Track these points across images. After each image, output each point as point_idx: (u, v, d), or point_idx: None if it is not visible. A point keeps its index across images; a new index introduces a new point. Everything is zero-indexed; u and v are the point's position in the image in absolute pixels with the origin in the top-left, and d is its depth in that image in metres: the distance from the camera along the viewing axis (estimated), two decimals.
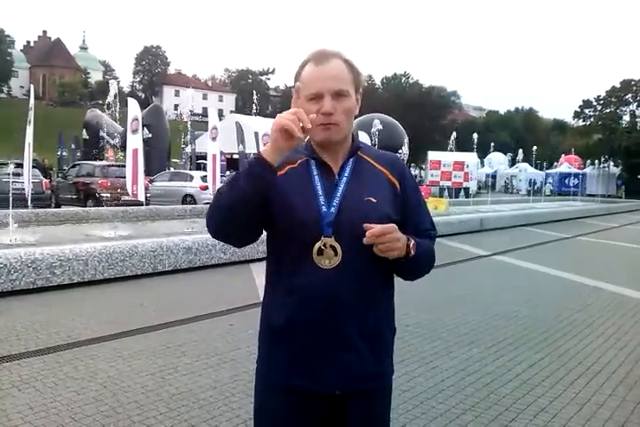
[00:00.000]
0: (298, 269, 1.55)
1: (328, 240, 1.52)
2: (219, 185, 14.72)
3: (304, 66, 1.58)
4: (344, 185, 1.59)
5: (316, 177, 1.60)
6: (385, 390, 1.67)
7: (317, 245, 1.52)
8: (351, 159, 1.64)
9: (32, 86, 13.63)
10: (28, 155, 12.46)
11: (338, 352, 1.54)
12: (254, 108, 31.79)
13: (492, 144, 52.51)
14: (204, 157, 20.64)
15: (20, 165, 13.96)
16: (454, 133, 31.58)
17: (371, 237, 1.46)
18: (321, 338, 1.54)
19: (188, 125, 23.41)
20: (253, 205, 1.47)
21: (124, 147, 14.84)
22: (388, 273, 1.64)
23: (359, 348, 1.56)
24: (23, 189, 12.93)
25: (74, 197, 17.34)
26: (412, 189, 1.69)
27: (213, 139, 14.43)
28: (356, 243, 1.50)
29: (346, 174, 1.61)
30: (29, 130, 11.66)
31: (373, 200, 1.56)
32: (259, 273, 7.84)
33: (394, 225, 1.50)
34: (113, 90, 14.69)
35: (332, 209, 1.54)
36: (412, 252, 1.54)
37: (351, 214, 1.54)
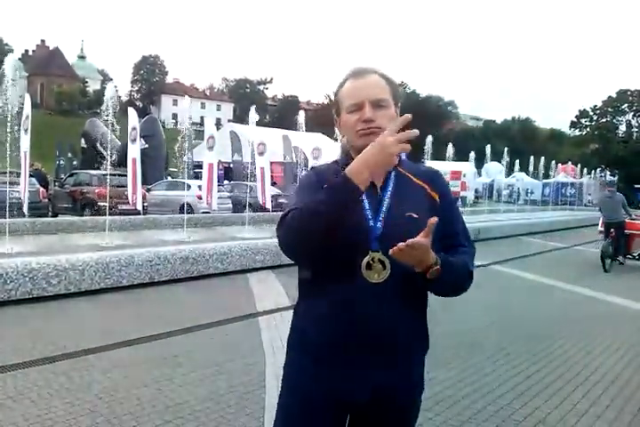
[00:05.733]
0: (345, 283, 1.54)
1: (376, 255, 1.52)
2: (215, 194, 14.68)
3: (343, 83, 1.65)
4: (388, 200, 1.59)
5: None
6: (413, 405, 1.70)
7: (366, 259, 1.52)
8: (392, 174, 1.63)
9: (27, 95, 13.61)
10: (24, 163, 12.44)
11: (372, 365, 1.56)
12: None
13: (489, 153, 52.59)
14: (202, 166, 20.56)
15: (15, 174, 13.90)
16: (450, 144, 31.66)
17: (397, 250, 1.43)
18: (358, 350, 1.55)
19: (184, 135, 23.17)
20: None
21: (120, 164, 14.73)
22: (426, 289, 1.65)
23: (394, 362, 1.59)
24: (19, 198, 12.89)
25: (70, 206, 17.30)
26: (449, 205, 1.68)
27: (210, 148, 14.39)
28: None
29: (389, 189, 1.61)
30: (26, 138, 11.64)
31: (415, 216, 1.56)
32: (256, 284, 7.82)
33: (425, 245, 1.44)
34: (110, 95, 13.92)
35: (378, 224, 1.55)
36: (430, 276, 1.52)
37: (395, 229, 1.53)
